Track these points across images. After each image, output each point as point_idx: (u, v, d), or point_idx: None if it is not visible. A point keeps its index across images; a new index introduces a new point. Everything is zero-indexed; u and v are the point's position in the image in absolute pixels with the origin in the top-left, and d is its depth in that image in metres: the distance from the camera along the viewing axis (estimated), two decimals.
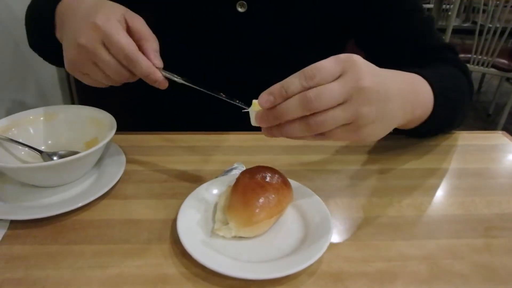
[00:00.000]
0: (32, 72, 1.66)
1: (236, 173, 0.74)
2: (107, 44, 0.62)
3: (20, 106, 0.82)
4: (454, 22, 3.48)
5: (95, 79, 0.67)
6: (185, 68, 0.70)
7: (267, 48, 0.94)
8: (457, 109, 0.82)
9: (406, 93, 0.62)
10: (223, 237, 0.62)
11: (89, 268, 0.58)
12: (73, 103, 1.83)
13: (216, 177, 0.74)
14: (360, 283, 0.57)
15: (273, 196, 0.62)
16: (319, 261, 0.57)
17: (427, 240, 0.64)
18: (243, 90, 0.66)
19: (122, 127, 0.79)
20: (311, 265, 0.56)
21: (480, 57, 3.16)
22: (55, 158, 0.76)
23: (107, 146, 0.82)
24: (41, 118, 0.81)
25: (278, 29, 0.92)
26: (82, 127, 0.81)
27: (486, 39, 3.08)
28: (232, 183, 0.65)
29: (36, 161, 0.76)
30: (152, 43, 0.66)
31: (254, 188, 0.62)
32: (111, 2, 0.67)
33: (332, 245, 0.62)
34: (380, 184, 0.77)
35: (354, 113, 0.53)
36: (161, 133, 0.92)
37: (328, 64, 0.52)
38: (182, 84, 0.66)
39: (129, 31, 0.65)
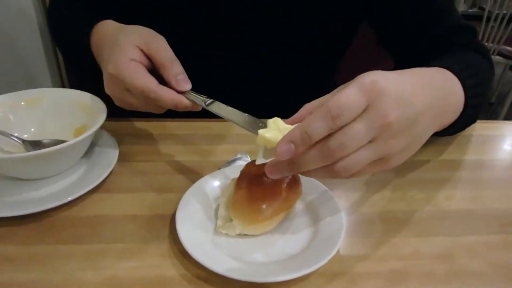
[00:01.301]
0: (16, 53, 1.60)
1: (240, 164, 0.71)
2: (128, 88, 0.65)
3: (1, 91, 0.77)
4: (461, 7, 3.43)
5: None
6: (185, 67, 0.68)
7: (269, 48, 0.94)
8: (484, 104, 0.78)
9: (436, 106, 0.57)
10: (227, 235, 0.59)
11: (80, 271, 0.54)
12: (63, 87, 1.77)
13: (219, 168, 0.70)
14: (374, 283, 0.54)
15: (282, 190, 0.58)
16: (329, 260, 0.54)
17: (442, 237, 0.62)
18: (244, 88, 0.61)
19: (115, 113, 0.76)
20: None
21: (486, 44, 3.12)
22: (38, 148, 0.72)
23: (98, 134, 0.78)
24: (22, 103, 0.76)
25: (280, 29, 0.91)
26: (69, 113, 0.76)
27: (493, 26, 3.04)
28: (237, 175, 0.62)
29: (18, 151, 0.72)
30: (172, 68, 0.66)
31: (261, 181, 0.59)
32: (127, 31, 0.70)
33: (343, 243, 0.59)
34: (392, 177, 0.74)
35: (381, 150, 0.49)
36: (158, 120, 0.87)
37: (354, 98, 0.46)
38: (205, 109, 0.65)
39: (149, 58, 0.67)
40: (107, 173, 0.69)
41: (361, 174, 0.51)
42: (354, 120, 0.47)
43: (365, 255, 0.58)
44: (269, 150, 0.52)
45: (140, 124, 0.87)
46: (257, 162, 0.53)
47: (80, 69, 0.94)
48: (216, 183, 0.67)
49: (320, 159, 0.47)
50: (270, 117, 0.54)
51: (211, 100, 0.65)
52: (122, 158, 0.74)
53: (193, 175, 0.72)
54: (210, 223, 0.61)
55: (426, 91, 0.54)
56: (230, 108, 0.62)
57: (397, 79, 0.50)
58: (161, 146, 0.80)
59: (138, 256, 0.57)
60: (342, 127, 0.46)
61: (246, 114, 0.60)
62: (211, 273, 0.52)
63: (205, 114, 0.75)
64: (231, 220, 0.58)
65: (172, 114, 0.86)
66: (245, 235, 0.59)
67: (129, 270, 0.55)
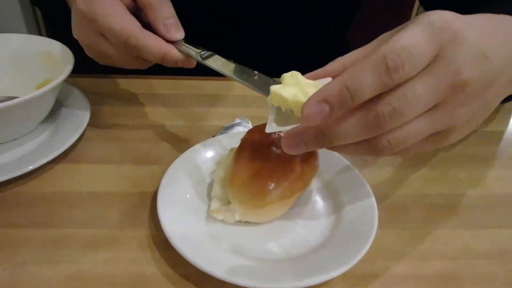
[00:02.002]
0: None
1: (240, 131, 0.62)
2: (102, 32, 0.54)
3: None
4: None
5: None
6: (179, 15, 0.56)
7: (276, 10, 0.83)
8: None
9: None
10: (223, 222, 0.48)
11: (34, 264, 0.44)
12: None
13: (213, 136, 0.60)
14: None
15: (295, 165, 0.47)
16: None
17: (496, 230, 0.52)
18: (250, 43, 0.50)
19: (91, 70, 0.68)
20: None
21: None
22: None
23: (66, 92, 0.67)
24: None
25: None
26: (31, 64, 0.66)
27: None
28: (235, 145, 0.52)
29: None
30: (160, 9, 0.54)
31: (267, 153, 0.48)
32: None
33: None
34: (429, 151, 0.63)
35: (444, 121, 0.37)
36: (140, 77, 0.76)
37: (420, 44, 0.34)
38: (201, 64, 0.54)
39: None
40: (75, 139, 0.58)
41: (408, 152, 0.40)
42: (415, 75, 0.34)
43: (400, 252, 0.48)
44: (285, 114, 0.40)
45: (119, 82, 0.75)
46: (267, 130, 0.41)
47: (52, 12, 0.81)
48: (210, 154, 0.56)
49: (363, 129, 0.35)
50: (278, 77, 0.42)
51: (209, 52, 0.54)
52: (94, 122, 0.64)
53: (181, 143, 0.61)
54: (202, 206, 0.50)
55: (506, 45, 0.41)
56: (233, 64, 0.52)
57: (473, 23, 0.38)
58: (143, 108, 0.69)
59: (109, 247, 0.46)
60: (398, 85, 0.34)
61: (254, 71, 0.49)
62: (202, 272, 0.41)
63: (200, 72, 0.63)
64: (229, 203, 0.48)
65: (158, 70, 0.74)
66: (247, 222, 0.48)
67: (97, 264, 0.45)
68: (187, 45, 0.54)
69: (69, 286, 0.42)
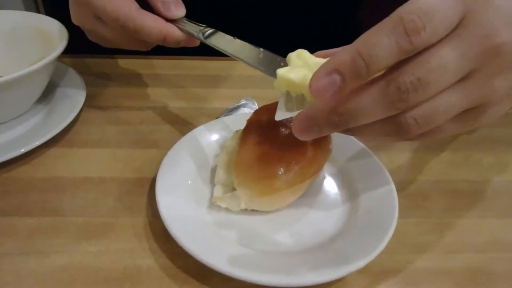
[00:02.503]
0: None
1: (245, 112, 0.57)
2: (98, 15, 0.51)
3: None
4: None
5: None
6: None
7: None
8: None
9: None
10: (227, 210, 0.44)
11: (21, 256, 0.40)
12: None
13: (217, 117, 0.55)
14: (444, 287, 0.39)
15: (306, 147, 0.43)
16: None
17: None
18: (254, 18, 0.45)
19: (90, 49, 0.64)
20: None
21: None
22: None
23: (61, 72, 0.63)
24: None
25: None
26: (24, 43, 0.61)
27: None
28: (241, 127, 0.47)
29: None
30: None
31: (276, 135, 0.43)
32: None
33: None
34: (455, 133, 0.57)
35: (478, 93, 0.32)
36: (140, 57, 0.71)
37: (444, 4, 0.29)
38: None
39: None
40: (68, 121, 0.54)
41: (436, 135, 0.34)
42: (440, 40, 0.29)
43: (424, 243, 0.43)
44: (296, 98, 0.35)
45: (117, 62, 0.70)
46: (277, 117, 0.36)
47: None
48: (213, 137, 0.51)
49: (384, 105, 0.30)
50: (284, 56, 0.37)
51: (212, 29, 0.49)
52: (91, 103, 0.60)
53: (182, 126, 0.57)
54: (204, 193, 0.46)
55: None
56: (238, 41, 0.47)
57: None
58: (142, 89, 0.64)
59: (102, 237, 0.42)
60: (421, 52, 0.29)
61: (260, 48, 0.44)
62: (204, 266, 0.37)
63: (203, 52, 0.58)
64: (234, 189, 0.43)
65: (159, 50, 0.69)
66: (254, 211, 0.44)
67: (89, 256, 0.40)
68: (189, 22, 0.50)
69: (57, 280, 0.38)
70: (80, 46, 0.71)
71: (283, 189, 0.41)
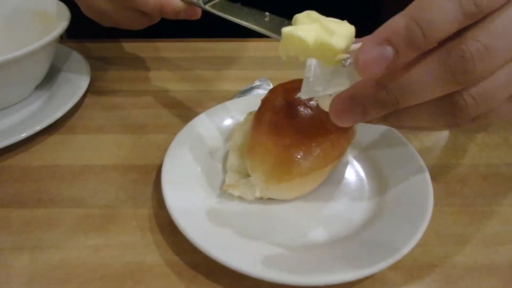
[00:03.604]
0: None
1: (259, 93, 0.51)
2: None
3: None
4: None
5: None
6: None
7: None
8: None
9: None
10: (240, 199, 0.38)
11: (13, 251, 0.35)
12: None
13: (229, 99, 0.49)
14: (489, 284, 0.33)
15: (327, 130, 0.37)
16: None
17: None
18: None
19: (95, 33, 0.60)
20: None
21: None
22: None
23: (64, 56, 0.58)
24: None
25: None
26: (25, 25, 0.56)
27: None
28: (254, 108, 0.41)
29: None
30: None
31: (295, 115, 0.38)
32: None
33: None
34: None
35: None
36: (146, 40, 0.66)
37: None
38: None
39: None
40: (70, 106, 0.49)
41: (491, 118, 0.28)
42: (508, 1, 0.24)
43: (462, 235, 0.37)
44: (327, 72, 0.29)
45: (122, 46, 0.65)
46: (301, 94, 0.30)
47: None
48: (224, 120, 0.46)
49: (444, 78, 0.24)
50: None
51: None
52: (94, 88, 0.55)
53: (190, 110, 0.51)
54: (214, 181, 0.40)
55: None
56: (242, 7, 0.42)
57: None
58: (148, 73, 0.59)
59: (102, 230, 0.37)
60: (485, 16, 0.24)
61: (266, 13, 0.39)
62: (214, 262, 0.31)
63: (211, 33, 0.52)
64: (248, 176, 0.38)
65: (166, 32, 0.64)
66: (270, 199, 0.38)
67: (86, 251, 0.35)
68: None
69: (51, 277, 0.33)
70: (84, 31, 0.67)
71: (303, 175, 0.36)
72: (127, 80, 0.56)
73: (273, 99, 0.40)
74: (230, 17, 0.40)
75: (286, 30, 0.29)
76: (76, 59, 0.57)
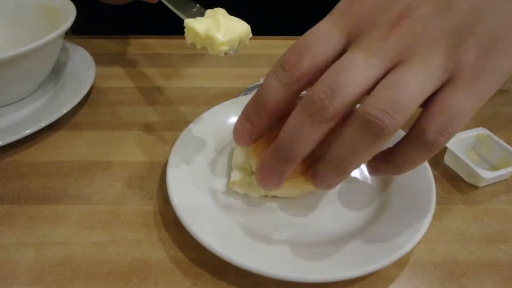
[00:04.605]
0: None
1: None
2: None
3: None
4: None
5: None
6: None
7: None
8: None
9: None
10: (246, 197, 0.37)
11: (18, 247, 0.34)
12: None
13: (236, 97, 0.48)
14: (488, 283, 0.32)
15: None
16: None
17: None
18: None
19: (101, 30, 0.60)
20: None
21: None
22: None
23: (71, 52, 0.56)
24: None
25: None
26: (28, 20, 0.55)
27: None
28: None
29: None
30: None
31: None
32: None
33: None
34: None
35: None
36: (155, 37, 0.64)
37: (322, 30, 0.29)
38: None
39: None
40: (76, 102, 0.48)
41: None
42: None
43: (466, 233, 0.36)
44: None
45: (130, 42, 0.64)
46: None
47: None
48: (231, 117, 0.45)
49: (303, 118, 0.28)
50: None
51: None
52: (100, 84, 0.54)
53: (197, 107, 0.50)
54: (221, 178, 0.39)
55: None
56: None
57: None
58: (155, 69, 0.58)
59: (108, 226, 0.36)
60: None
61: (196, 4, 0.41)
62: (220, 259, 0.31)
63: None
64: (253, 173, 0.37)
65: (174, 30, 0.63)
66: (275, 197, 0.37)
67: (92, 247, 0.34)
68: None
69: (57, 274, 0.32)
70: (90, 27, 0.66)
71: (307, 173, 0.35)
72: (134, 77, 0.55)
73: None
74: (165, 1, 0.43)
75: (187, 21, 0.36)
76: (82, 55, 0.55)
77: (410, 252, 0.31)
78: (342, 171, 0.29)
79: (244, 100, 0.45)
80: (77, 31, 0.69)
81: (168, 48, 0.62)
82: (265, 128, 0.31)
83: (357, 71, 0.26)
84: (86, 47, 0.56)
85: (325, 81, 0.27)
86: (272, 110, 0.30)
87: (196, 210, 0.34)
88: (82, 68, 0.53)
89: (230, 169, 0.39)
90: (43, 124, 0.44)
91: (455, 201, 0.39)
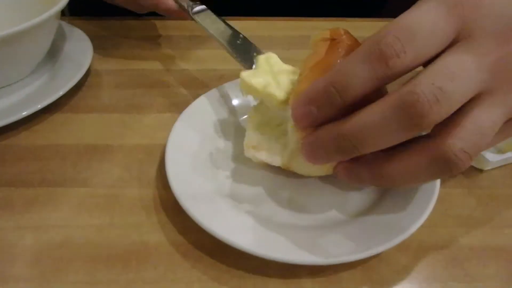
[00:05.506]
0: None
1: None
2: None
3: None
4: None
5: None
6: None
7: None
8: None
9: None
10: (246, 179, 0.37)
11: (15, 230, 0.34)
12: None
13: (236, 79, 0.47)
14: (491, 267, 0.32)
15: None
16: None
17: None
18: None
19: (99, 10, 0.60)
20: None
21: None
22: None
23: (68, 34, 0.55)
24: None
25: None
26: (24, 5, 0.54)
27: None
28: None
29: None
30: None
31: None
32: None
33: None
34: None
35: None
36: (154, 18, 0.63)
37: (429, 21, 0.26)
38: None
39: None
40: (73, 84, 0.47)
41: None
42: (448, 49, 0.26)
43: (470, 217, 0.36)
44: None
45: (128, 23, 0.63)
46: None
47: None
48: (230, 100, 0.45)
49: (400, 123, 0.25)
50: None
51: (201, 6, 0.48)
52: (98, 67, 0.53)
53: (198, 89, 0.49)
54: (219, 160, 0.39)
55: None
56: (222, 24, 0.46)
57: None
58: (155, 51, 0.57)
59: (106, 209, 0.36)
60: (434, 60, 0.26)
61: (240, 34, 0.45)
62: (221, 241, 0.30)
63: (220, 9, 0.51)
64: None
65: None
66: (277, 180, 0.37)
67: (91, 230, 0.34)
68: None
69: (55, 257, 0.32)
70: (88, 8, 0.65)
71: None
72: (132, 59, 0.54)
73: (337, 45, 0.32)
74: (210, 32, 0.45)
75: (243, 75, 0.35)
76: (79, 36, 0.54)
77: (413, 236, 0.31)
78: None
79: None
80: (74, 12, 0.68)
81: (167, 30, 0.61)
82: (333, 116, 0.28)
83: (466, 82, 0.25)
84: (83, 28, 0.56)
85: (430, 85, 0.24)
86: (352, 102, 0.27)
87: (195, 193, 0.34)
88: (79, 50, 0.52)
89: (230, 152, 0.39)
90: (39, 106, 0.44)
91: (460, 185, 0.38)
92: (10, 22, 0.53)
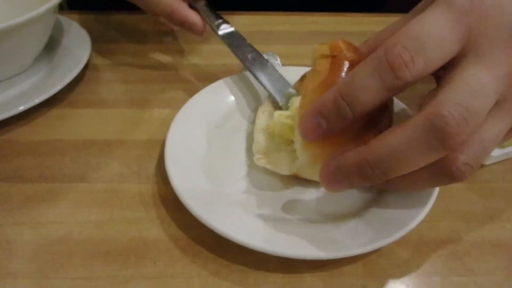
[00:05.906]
0: None
1: None
2: None
3: None
4: None
5: None
6: None
7: None
8: None
9: None
10: (245, 174, 0.37)
11: (14, 226, 0.34)
12: None
13: (240, 73, 0.48)
14: (491, 261, 0.32)
15: (375, 123, 0.32)
16: None
17: None
18: None
19: (98, 4, 0.60)
20: None
21: None
22: None
23: (66, 28, 0.55)
24: None
25: None
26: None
27: None
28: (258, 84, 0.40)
29: None
30: None
31: None
32: None
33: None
34: None
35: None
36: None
37: (437, 31, 0.26)
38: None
39: None
40: (71, 79, 0.47)
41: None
42: (458, 64, 0.27)
43: (470, 212, 0.36)
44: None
45: (126, 18, 0.63)
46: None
47: None
48: (230, 95, 0.45)
49: (430, 146, 0.25)
50: None
51: (230, 29, 0.47)
52: (96, 61, 0.53)
53: (197, 83, 0.50)
54: (219, 155, 0.39)
55: None
56: (249, 48, 0.46)
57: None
58: (154, 46, 0.57)
59: (106, 205, 0.36)
60: (450, 81, 0.26)
61: (268, 62, 0.44)
62: (220, 236, 0.30)
63: (220, 4, 0.50)
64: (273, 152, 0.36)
65: None
66: (274, 180, 0.37)
67: (89, 226, 0.34)
68: (206, 8, 0.48)
69: (54, 253, 0.32)
70: (86, 1, 0.64)
71: None
72: (131, 53, 0.54)
73: (343, 58, 0.32)
74: (238, 54, 0.45)
75: (276, 114, 0.36)
76: (77, 31, 0.54)
77: (414, 231, 0.31)
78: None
79: (247, 76, 0.45)
80: (73, 6, 0.68)
81: (165, 25, 0.61)
82: (343, 128, 0.28)
83: (487, 97, 0.25)
84: (81, 22, 0.55)
85: (456, 105, 0.24)
86: (362, 113, 0.27)
87: (195, 188, 0.34)
88: (78, 44, 0.52)
89: (230, 148, 0.39)
90: (37, 101, 0.44)
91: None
92: (7, 16, 0.53)
